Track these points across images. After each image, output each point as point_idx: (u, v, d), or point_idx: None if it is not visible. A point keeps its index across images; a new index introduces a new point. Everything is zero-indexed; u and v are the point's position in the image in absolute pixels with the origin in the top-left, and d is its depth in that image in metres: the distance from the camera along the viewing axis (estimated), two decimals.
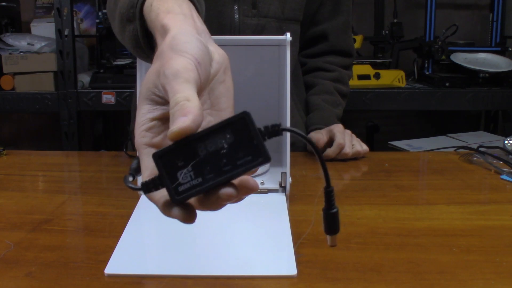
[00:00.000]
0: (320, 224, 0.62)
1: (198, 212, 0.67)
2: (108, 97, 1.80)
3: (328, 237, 0.42)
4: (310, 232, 0.59)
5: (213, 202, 0.38)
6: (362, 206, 0.68)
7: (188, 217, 0.38)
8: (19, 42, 1.83)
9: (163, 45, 0.43)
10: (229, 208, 0.66)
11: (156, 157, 0.37)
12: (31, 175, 0.84)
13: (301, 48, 1.12)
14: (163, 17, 0.47)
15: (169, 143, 0.40)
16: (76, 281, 0.48)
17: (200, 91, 0.40)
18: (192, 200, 0.39)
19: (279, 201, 0.67)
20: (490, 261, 0.52)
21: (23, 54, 1.81)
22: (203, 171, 0.36)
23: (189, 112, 0.37)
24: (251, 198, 0.69)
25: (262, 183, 0.71)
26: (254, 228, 0.61)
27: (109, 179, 0.83)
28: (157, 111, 0.41)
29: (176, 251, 0.54)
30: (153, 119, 0.41)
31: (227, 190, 0.37)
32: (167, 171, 0.36)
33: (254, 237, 0.58)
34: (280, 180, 0.70)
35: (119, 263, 0.50)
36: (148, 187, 0.38)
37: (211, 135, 0.36)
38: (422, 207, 0.68)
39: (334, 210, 0.41)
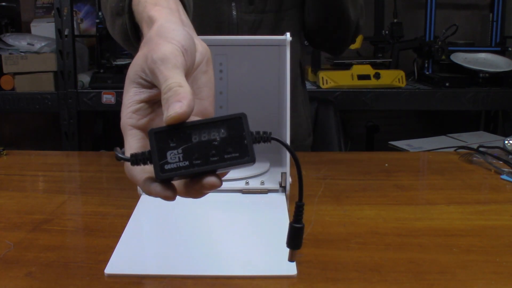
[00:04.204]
0: (320, 224, 0.62)
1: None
2: (108, 97, 1.80)
3: (288, 251, 0.43)
4: (310, 232, 0.59)
5: (196, 190, 0.40)
6: (362, 206, 0.68)
7: (169, 194, 0.39)
8: (19, 42, 1.83)
9: (150, 32, 0.45)
10: (229, 207, 0.66)
11: (152, 133, 0.39)
12: (31, 175, 0.84)
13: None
14: (150, 9, 0.49)
15: (154, 125, 0.42)
16: (76, 281, 0.48)
17: (186, 78, 0.42)
18: (177, 186, 0.40)
19: (279, 201, 0.67)
20: (490, 261, 0.52)
21: (23, 54, 1.81)
22: (191, 156, 0.38)
23: (183, 97, 0.39)
24: (251, 198, 0.69)
25: (262, 183, 0.71)
26: (254, 228, 0.61)
27: (109, 179, 0.83)
28: (144, 94, 0.43)
29: (176, 251, 0.54)
30: (140, 102, 0.43)
31: (211, 179, 0.39)
32: (158, 148, 0.38)
33: (254, 237, 0.58)
34: (280, 180, 0.70)
35: (119, 263, 0.50)
36: (137, 160, 0.39)
37: (207, 126, 0.39)
38: (422, 207, 0.68)
39: (300, 226, 0.42)
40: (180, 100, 0.38)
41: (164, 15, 0.47)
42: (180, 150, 0.38)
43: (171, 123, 0.38)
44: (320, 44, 1.10)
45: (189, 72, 0.43)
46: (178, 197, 0.40)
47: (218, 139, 0.39)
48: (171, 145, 0.38)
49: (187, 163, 0.38)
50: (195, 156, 0.38)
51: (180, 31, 0.44)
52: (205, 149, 0.38)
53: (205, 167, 0.38)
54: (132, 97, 0.43)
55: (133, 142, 0.42)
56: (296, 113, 1.03)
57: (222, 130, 0.39)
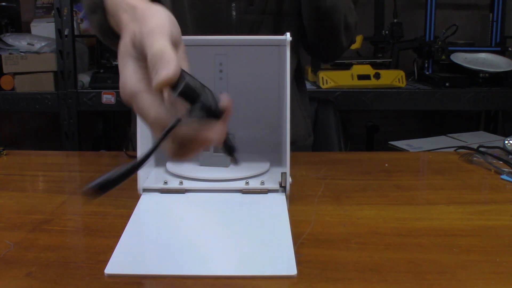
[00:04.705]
0: (320, 224, 0.62)
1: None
2: (108, 97, 1.80)
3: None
4: (310, 232, 0.59)
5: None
6: (362, 206, 0.68)
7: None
8: (19, 42, 1.83)
9: (137, 12, 0.49)
10: (229, 207, 0.66)
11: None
12: (31, 175, 0.84)
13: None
14: (128, 0, 0.53)
15: None
16: (76, 281, 0.48)
17: (173, 46, 0.44)
18: (172, 146, 0.43)
19: (279, 201, 0.67)
20: (490, 261, 0.52)
21: (23, 54, 1.81)
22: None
23: (168, 61, 0.41)
24: (251, 198, 0.69)
25: (262, 183, 0.71)
26: (254, 228, 0.61)
27: None
28: (144, 68, 0.46)
29: (176, 251, 0.54)
30: (141, 74, 0.45)
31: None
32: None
33: (254, 237, 0.58)
34: (280, 180, 0.70)
35: (119, 263, 0.50)
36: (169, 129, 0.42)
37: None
38: (422, 207, 0.68)
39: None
40: (165, 65, 0.41)
41: (144, 3, 0.51)
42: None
43: (160, 89, 0.41)
44: (315, 55, 1.14)
45: (177, 44, 0.46)
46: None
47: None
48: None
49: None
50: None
51: (165, 11, 0.48)
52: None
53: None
54: (134, 69, 0.45)
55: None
56: (294, 114, 1.03)
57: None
